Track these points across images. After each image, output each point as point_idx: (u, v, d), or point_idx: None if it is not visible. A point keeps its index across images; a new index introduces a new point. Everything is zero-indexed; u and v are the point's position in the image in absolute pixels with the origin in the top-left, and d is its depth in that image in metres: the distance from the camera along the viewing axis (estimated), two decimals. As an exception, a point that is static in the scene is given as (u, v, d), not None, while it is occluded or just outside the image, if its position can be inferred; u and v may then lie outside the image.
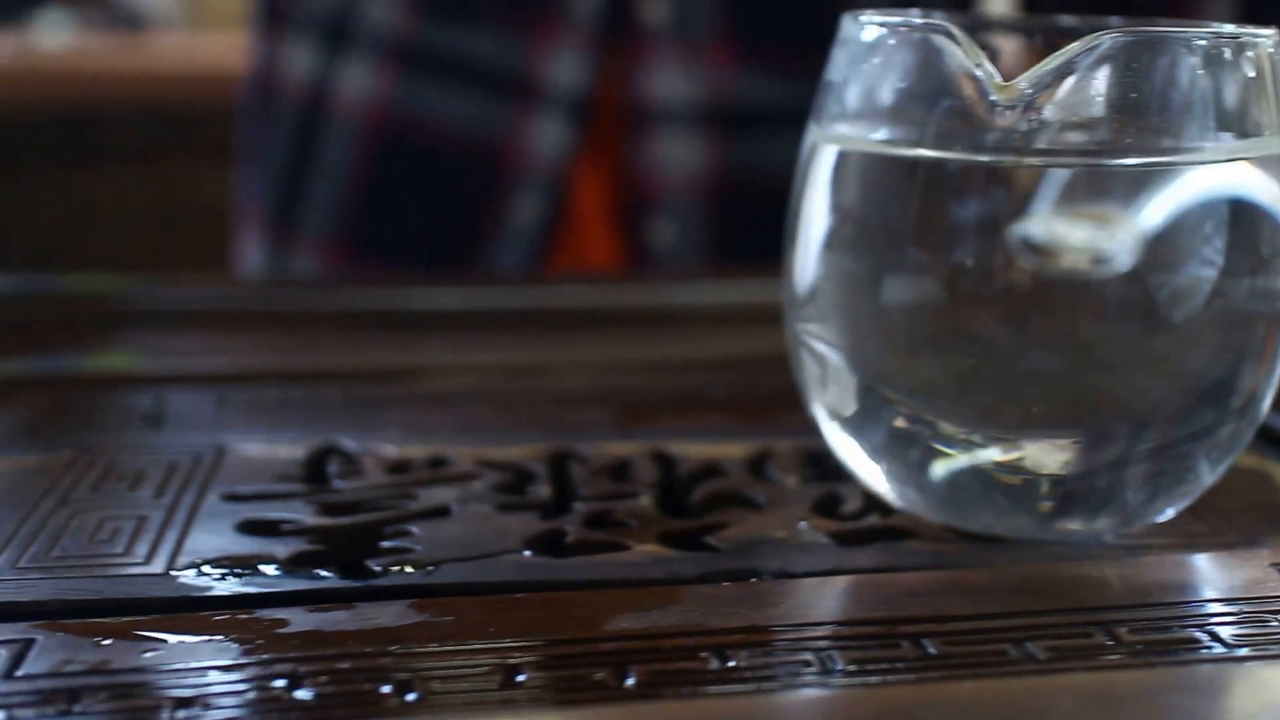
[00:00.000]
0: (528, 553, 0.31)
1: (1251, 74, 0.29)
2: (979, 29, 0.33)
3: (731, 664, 0.26)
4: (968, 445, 0.30)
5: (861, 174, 0.31)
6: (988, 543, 0.32)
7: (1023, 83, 0.28)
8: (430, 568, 0.31)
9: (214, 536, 0.32)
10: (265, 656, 0.26)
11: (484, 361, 0.46)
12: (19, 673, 0.26)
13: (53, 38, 1.90)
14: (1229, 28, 0.30)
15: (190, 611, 0.28)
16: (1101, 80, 0.28)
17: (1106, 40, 0.28)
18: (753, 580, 0.30)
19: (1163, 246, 0.29)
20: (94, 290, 0.58)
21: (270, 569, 0.30)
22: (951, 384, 0.30)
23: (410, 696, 0.25)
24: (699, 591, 0.30)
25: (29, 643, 0.27)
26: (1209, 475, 0.31)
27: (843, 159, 0.31)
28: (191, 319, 0.51)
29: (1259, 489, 0.36)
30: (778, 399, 0.42)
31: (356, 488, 0.35)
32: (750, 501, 0.34)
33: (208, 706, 0.24)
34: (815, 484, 0.36)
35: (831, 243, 0.31)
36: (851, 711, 0.25)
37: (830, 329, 0.31)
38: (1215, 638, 0.27)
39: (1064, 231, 0.29)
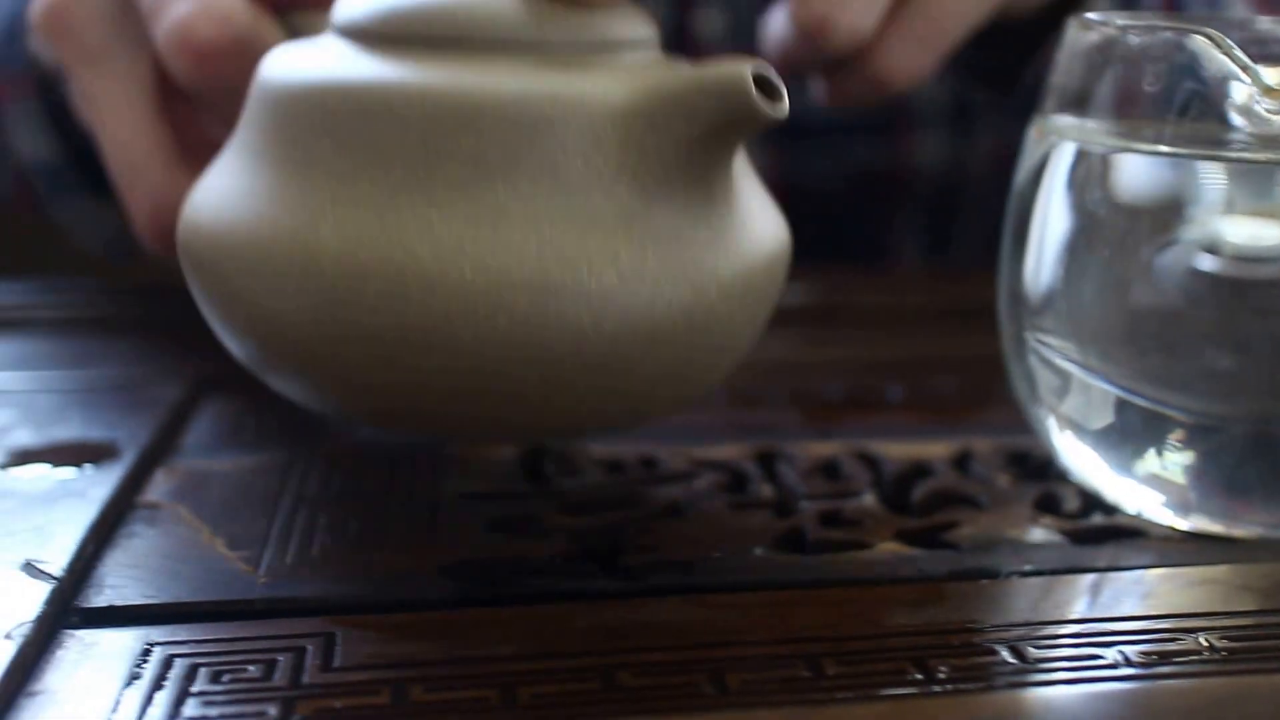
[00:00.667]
0: (759, 550, 0.32)
1: None
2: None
3: (1029, 659, 0.27)
4: (1233, 450, 0.30)
5: (1120, 176, 0.31)
6: (1220, 542, 0.32)
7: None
8: (687, 564, 0.31)
9: (465, 533, 0.32)
10: (568, 649, 0.27)
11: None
12: (335, 664, 0.26)
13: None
14: None
15: (473, 608, 0.29)
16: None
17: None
18: (1009, 577, 0.31)
19: None
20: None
21: (538, 565, 0.31)
22: (1219, 391, 0.30)
23: (722, 689, 0.25)
24: (958, 588, 0.30)
25: (330, 637, 0.27)
26: None
27: (1095, 161, 0.31)
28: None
29: None
30: (952, 399, 0.43)
31: (583, 487, 0.35)
32: (973, 501, 0.35)
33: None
34: (1028, 483, 0.36)
35: (1077, 247, 0.32)
36: (1156, 706, 0.26)
37: (1077, 337, 0.32)
38: None
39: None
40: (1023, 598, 0.30)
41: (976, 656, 0.27)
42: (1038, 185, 0.33)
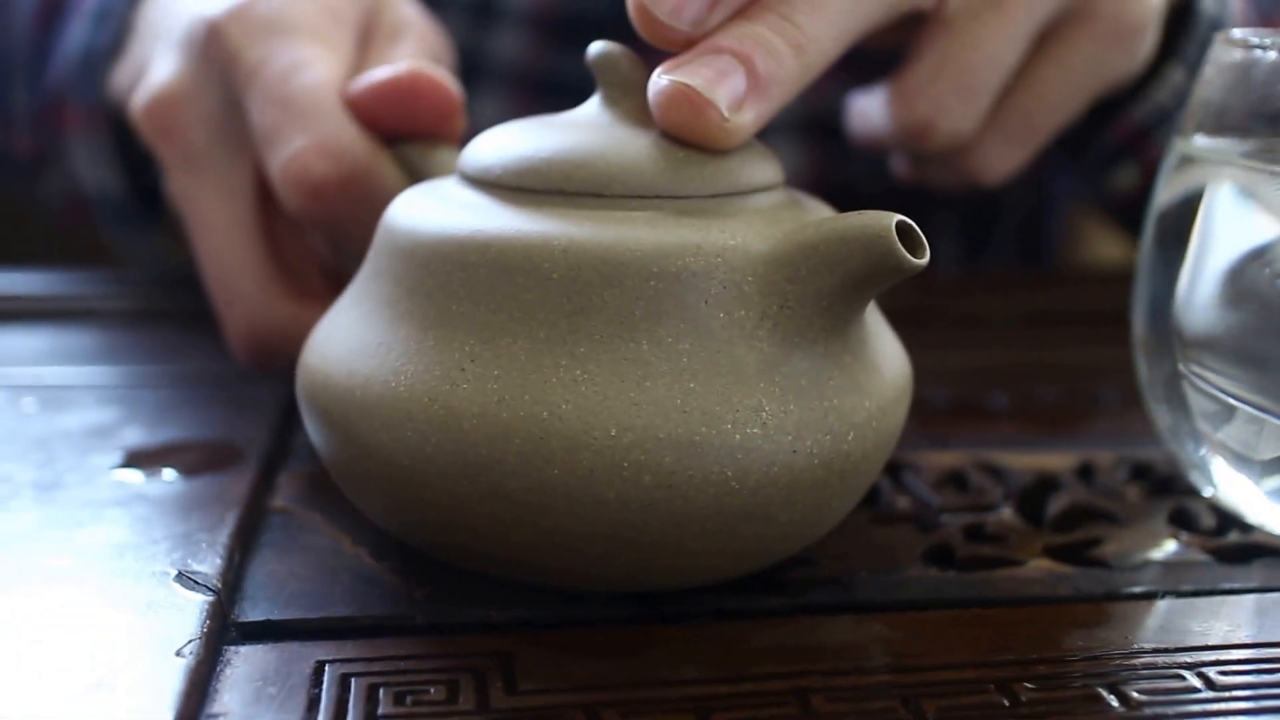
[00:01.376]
0: (911, 568, 0.31)
1: None
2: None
3: (1217, 685, 0.26)
4: None
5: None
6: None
7: None
8: (845, 581, 0.31)
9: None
10: (753, 672, 0.26)
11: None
12: (519, 686, 0.26)
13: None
14: None
15: (642, 624, 0.28)
16: None
17: None
18: (1165, 597, 0.30)
19: None
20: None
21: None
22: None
23: (920, 716, 0.25)
24: (1121, 609, 0.30)
25: (508, 657, 0.27)
26: None
27: (1266, 191, 0.31)
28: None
29: None
30: (1057, 408, 0.43)
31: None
32: (1110, 516, 0.35)
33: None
34: (1158, 498, 0.36)
35: (1245, 280, 0.31)
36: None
37: (1244, 373, 0.31)
38: None
39: None
40: (1190, 619, 0.29)
41: (1164, 681, 0.27)
42: (1189, 212, 0.32)
